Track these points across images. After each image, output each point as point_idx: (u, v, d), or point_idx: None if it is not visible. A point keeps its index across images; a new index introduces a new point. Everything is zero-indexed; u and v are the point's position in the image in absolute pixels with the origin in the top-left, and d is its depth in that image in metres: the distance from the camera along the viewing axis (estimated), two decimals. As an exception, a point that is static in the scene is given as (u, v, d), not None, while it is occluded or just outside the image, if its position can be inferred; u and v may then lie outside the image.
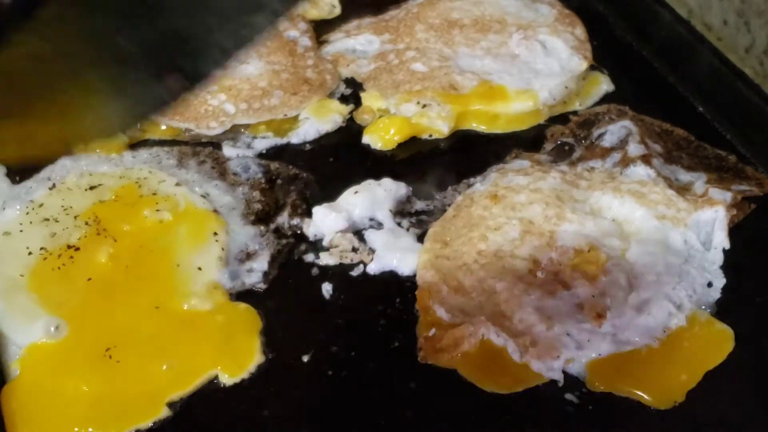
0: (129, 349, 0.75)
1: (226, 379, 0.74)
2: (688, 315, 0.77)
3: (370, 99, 1.05)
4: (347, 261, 0.85)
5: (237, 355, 0.75)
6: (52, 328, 0.76)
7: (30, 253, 0.82)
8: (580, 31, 1.13)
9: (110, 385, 0.72)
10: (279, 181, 0.95)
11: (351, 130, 1.02)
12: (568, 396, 0.72)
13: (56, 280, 0.80)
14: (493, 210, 0.85)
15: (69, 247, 0.83)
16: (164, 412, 0.71)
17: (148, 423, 0.70)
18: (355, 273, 0.84)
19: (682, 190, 0.89)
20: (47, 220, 0.86)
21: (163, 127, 1.00)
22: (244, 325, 0.78)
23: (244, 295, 0.81)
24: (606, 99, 1.06)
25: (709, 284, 0.81)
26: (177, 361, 0.74)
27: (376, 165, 0.97)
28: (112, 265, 0.82)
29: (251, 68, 1.05)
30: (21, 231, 0.85)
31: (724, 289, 0.81)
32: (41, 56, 0.44)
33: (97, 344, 0.75)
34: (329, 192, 0.92)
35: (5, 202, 0.90)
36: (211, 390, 0.73)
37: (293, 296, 0.82)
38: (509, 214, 0.84)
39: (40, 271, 0.81)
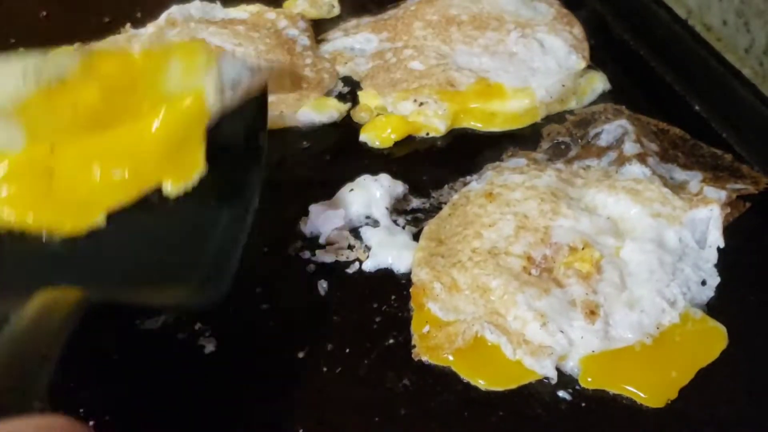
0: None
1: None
2: (681, 312, 0.77)
3: (367, 97, 1.05)
4: (343, 258, 0.85)
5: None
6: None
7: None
8: (578, 30, 1.13)
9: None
10: (276, 179, 0.95)
11: (348, 129, 1.03)
12: (561, 393, 0.72)
13: (39, 105, 0.78)
14: (488, 207, 0.86)
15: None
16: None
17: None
18: (350, 270, 0.84)
19: (678, 188, 0.89)
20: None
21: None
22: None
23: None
24: (603, 98, 1.06)
25: (703, 282, 0.81)
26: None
27: (373, 163, 0.97)
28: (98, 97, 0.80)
29: (250, 67, 1.05)
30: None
31: (718, 288, 0.81)
32: None
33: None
34: (326, 190, 0.92)
35: None
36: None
37: (289, 293, 0.83)
38: (504, 210, 0.85)
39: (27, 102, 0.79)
